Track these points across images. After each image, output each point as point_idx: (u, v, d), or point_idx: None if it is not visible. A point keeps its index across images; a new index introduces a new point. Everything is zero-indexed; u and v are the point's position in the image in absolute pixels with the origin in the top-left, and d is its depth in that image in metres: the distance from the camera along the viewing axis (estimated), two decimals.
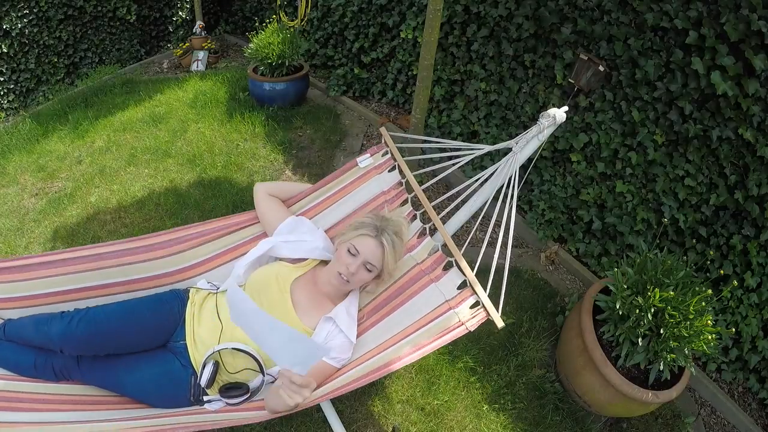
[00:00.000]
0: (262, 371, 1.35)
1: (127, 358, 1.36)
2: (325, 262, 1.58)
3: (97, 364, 1.35)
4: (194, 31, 4.83)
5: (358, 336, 1.43)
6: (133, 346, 1.37)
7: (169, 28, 5.38)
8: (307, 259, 1.56)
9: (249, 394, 1.36)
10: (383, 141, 1.74)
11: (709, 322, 1.61)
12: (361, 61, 3.78)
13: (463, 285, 1.38)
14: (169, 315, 1.42)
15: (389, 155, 1.73)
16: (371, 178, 1.72)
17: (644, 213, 2.21)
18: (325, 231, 1.69)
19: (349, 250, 1.43)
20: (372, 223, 1.48)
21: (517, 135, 1.54)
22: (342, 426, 1.62)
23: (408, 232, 1.57)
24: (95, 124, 3.52)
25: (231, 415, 1.31)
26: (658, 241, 2.21)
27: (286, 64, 3.48)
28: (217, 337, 1.35)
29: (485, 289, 1.32)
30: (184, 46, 4.80)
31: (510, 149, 1.51)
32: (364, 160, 1.72)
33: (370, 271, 1.43)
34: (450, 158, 1.67)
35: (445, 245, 1.52)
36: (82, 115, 3.68)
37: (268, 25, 3.60)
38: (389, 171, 1.72)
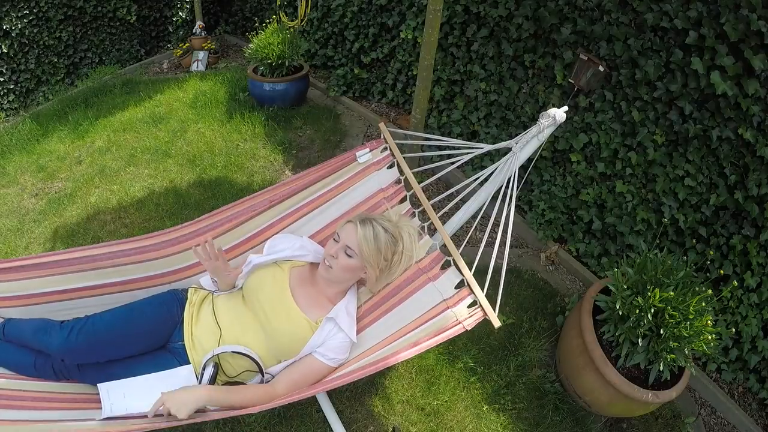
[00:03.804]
0: (261, 371, 1.36)
1: (127, 360, 1.37)
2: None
3: (97, 368, 1.35)
4: (194, 31, 4.83)
5: (356, 334, 1.43)
6: (133, 350, 1.38)
7: (169, 28, 5.39)
8: (306, 257, 1.56)
9: None
10: (382, 137, 1.72)
11: (709, 322, 1.61)
12: (361, 61, 3.78)
13: (461, 284, 1.38)
14: (167, 317, 1.42)
15: (388, 151, 1.71)
16: (370, 174, 1.71)
17: (644, 213, 2.21)
18: (323, 227, 1.69)
19: (334, 239, 1.45)
20: (362, 214, 1.48)
21: (517, 135, 1.54)
22: (342, 426, 1.62)
23: (412, 241, 1.50)
24: (95, 125, 3.53)
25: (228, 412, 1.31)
26: (658, 241, 2.20)
27: (286, 64, 3.48)
28: (216, 342, 1.35)
29: (483, 289, 1.32)
30: (184, 47, 4.80)
31: (510, 149, 1.51)
32: (363, 155, 1.70)
33: (350, 256, 1.41)
34: (450, 157, 1.67)
35: (443, 244, 1.52)
36: (82, 115, 3.68)
37: (268, 26, 3.60)
38: (388, 168, 1.71)
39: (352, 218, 1.46)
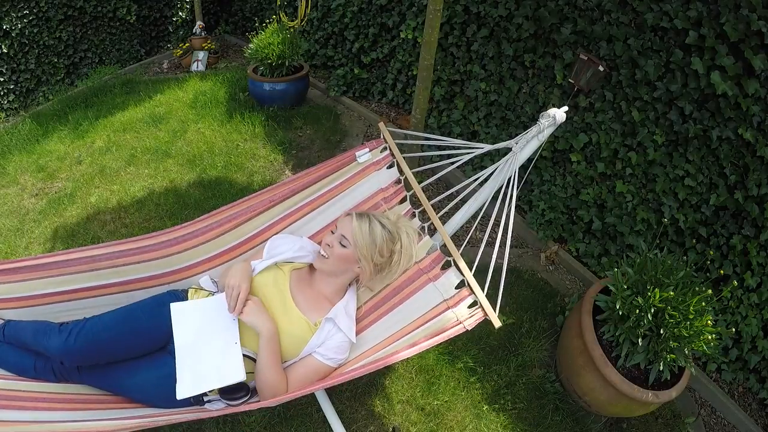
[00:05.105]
0: None
1: (127, 362, 1.37)
2: None
3: (97, 370, 1.35)
4: (194, 31, 4.83)
5: (356, 335, 1.43)
6: (133, 352, 1.37)
7: (169, 28, 5.38)
8: (305, 258, 1.56)
9: (249, 395, 1.36)
10: (382, 136, 1.72)
11: (709, 322, 1.61)
12: (361, 61, 3.78)
13: (461, 284, 1.38)
14: (167, 319, 1.41)
15: (387, 151, 1.71)
16: (370, 174, 1.71)
17: (644, 213, 2.21)
18: (323, 228, 1.70)
19: (331, 230, 1.48)
20: (362, 211, 1.51)
21: (517, 135, 1.54)
22: (342, 426, 1.62)
23: (411, 241, 1.51)
24: (95, 125, 3.53)
25: (230, 410, 1.31)
26: (658, 241, 2.20)
27: (286, 64, 3.48)
28: None
29: (483, 289, 1.32)
30: (184, 47, 4.80)
31: (510, 149, 1.51)
32: (363, 155, 1.70)
33: (344, 246, 1.43)
34: (450, 157, 1.67)
35: (443, 245, 1.52)
36: (82, 115, 3.68)
37: (268, 26, 3.60)
38: (388, 168, 1.71)
39: (351, 212, 1.50)
